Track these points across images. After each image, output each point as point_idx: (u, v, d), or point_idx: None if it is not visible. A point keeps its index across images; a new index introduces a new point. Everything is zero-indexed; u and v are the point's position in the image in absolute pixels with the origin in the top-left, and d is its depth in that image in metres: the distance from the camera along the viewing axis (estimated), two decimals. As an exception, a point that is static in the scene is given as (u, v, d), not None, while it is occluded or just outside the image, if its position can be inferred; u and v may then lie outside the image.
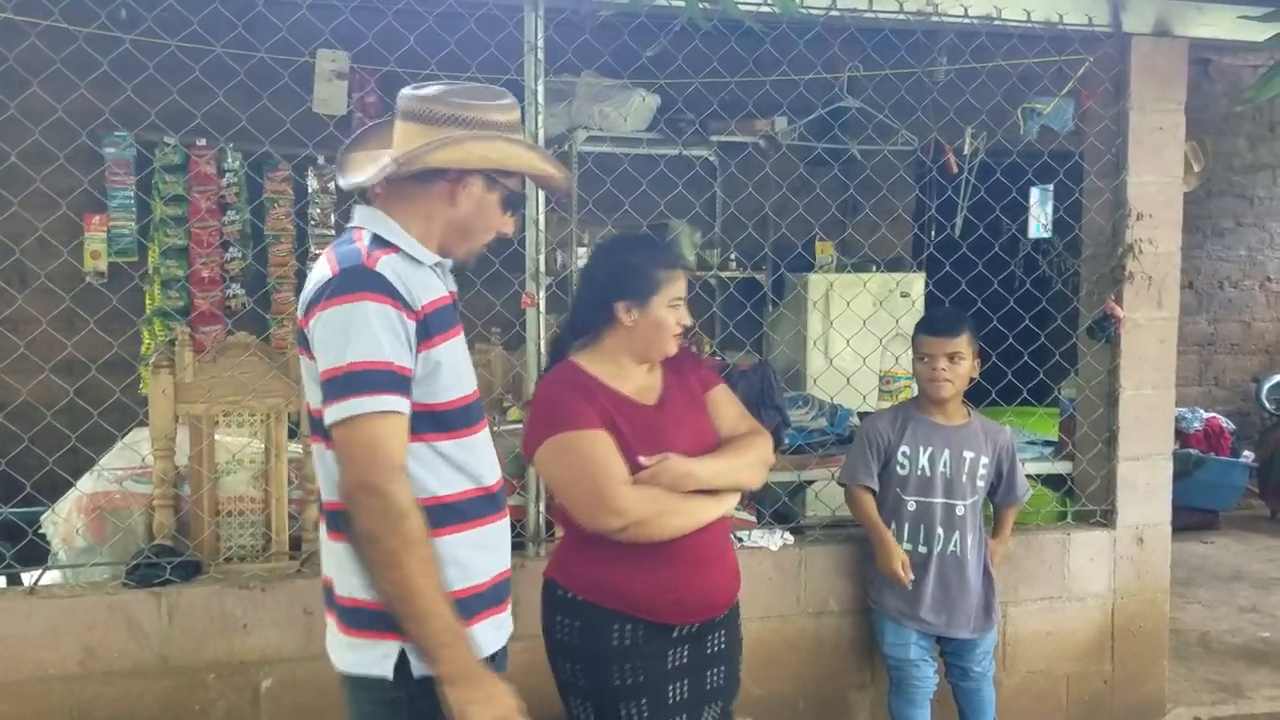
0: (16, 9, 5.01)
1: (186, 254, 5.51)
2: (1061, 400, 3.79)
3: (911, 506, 3.08)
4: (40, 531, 3.03)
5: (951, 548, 3.07)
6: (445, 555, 1.70)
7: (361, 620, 1.70)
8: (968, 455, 3.10)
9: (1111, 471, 3.52)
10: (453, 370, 1.76)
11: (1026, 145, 3.54)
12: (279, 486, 3.00)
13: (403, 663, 1.68)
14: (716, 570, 2.23)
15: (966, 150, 3.69)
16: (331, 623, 1.79)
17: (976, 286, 3.58)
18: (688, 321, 2.24)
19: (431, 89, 1.79)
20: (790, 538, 3.28)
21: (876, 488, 3.11)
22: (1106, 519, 3.54)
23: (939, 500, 3.08)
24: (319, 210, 5.71)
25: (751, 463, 2.25)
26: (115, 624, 2.73)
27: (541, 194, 3.04)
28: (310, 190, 5.69)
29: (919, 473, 3.08)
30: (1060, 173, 3.59)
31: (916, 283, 5.94)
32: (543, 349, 3.06)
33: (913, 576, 3.05)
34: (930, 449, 3.09)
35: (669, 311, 2.21)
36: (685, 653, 2.21)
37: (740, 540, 3.22)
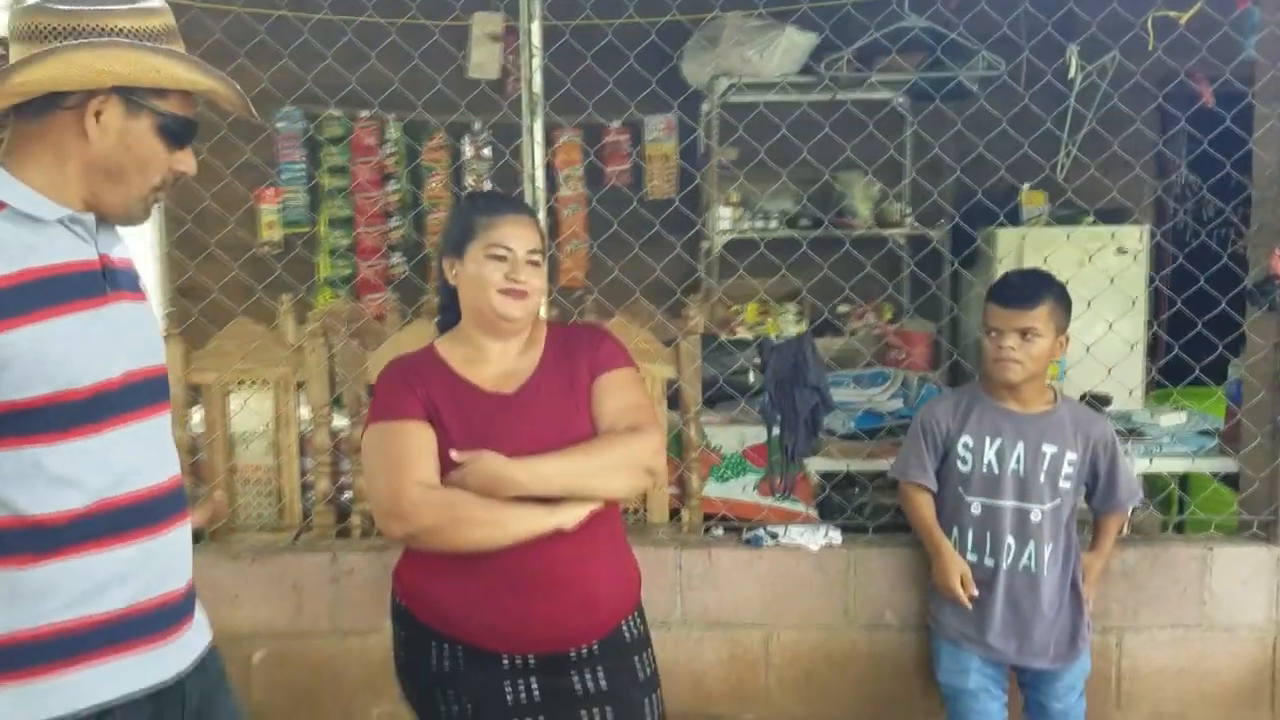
0: (184, -6, 5.35)
1: (351, 224, 5.69)
2: (1230, 381, 3.00)
3: (976, 510, 2.54)
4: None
5: (1025, 561, 2.50)
6: (39, 586, 1.40)
7: None
8: (1048, 450, 2.50)
9: (1275, 473, 2.73)
10: (59, 358, 1.40)
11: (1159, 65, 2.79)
12: (289, 456, 2.95)
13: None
14: (554, 597, 1.83)
15: (1072, 73, 2.95)
16: None
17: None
18: (520, 277, 1.85)
19: None
20: (837, 537, 2.81)
21: (933, 486, 2.59)
22: (1267, 531, 2.77)
23: (1009, 503, 2.51)
24: (474, 177, 5.70)
25: (607, 466, 1.82)
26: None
27: (537, 152, 2.75)
28: (466, 156, 5.68)
29: (984, 469, 2.52)
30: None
31: (1132, 237, 5.05)
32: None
33: (975, 593, 2.51)
34: (999, 441, 2.52)
35: (490, 264, 1.85)
36: (534, 689, 1.85)
37: (774, 537, 2.80)
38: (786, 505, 2.94)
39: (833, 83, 4.97)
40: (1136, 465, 2.92)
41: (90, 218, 1.48)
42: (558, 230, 5.68)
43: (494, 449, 1.78)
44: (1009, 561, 2.51)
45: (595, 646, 1.89)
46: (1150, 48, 2.73)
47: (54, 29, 1.39)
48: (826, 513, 3.03)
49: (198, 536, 2.82)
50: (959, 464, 2.55)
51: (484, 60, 5.76)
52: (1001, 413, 2.54)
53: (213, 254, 4.30)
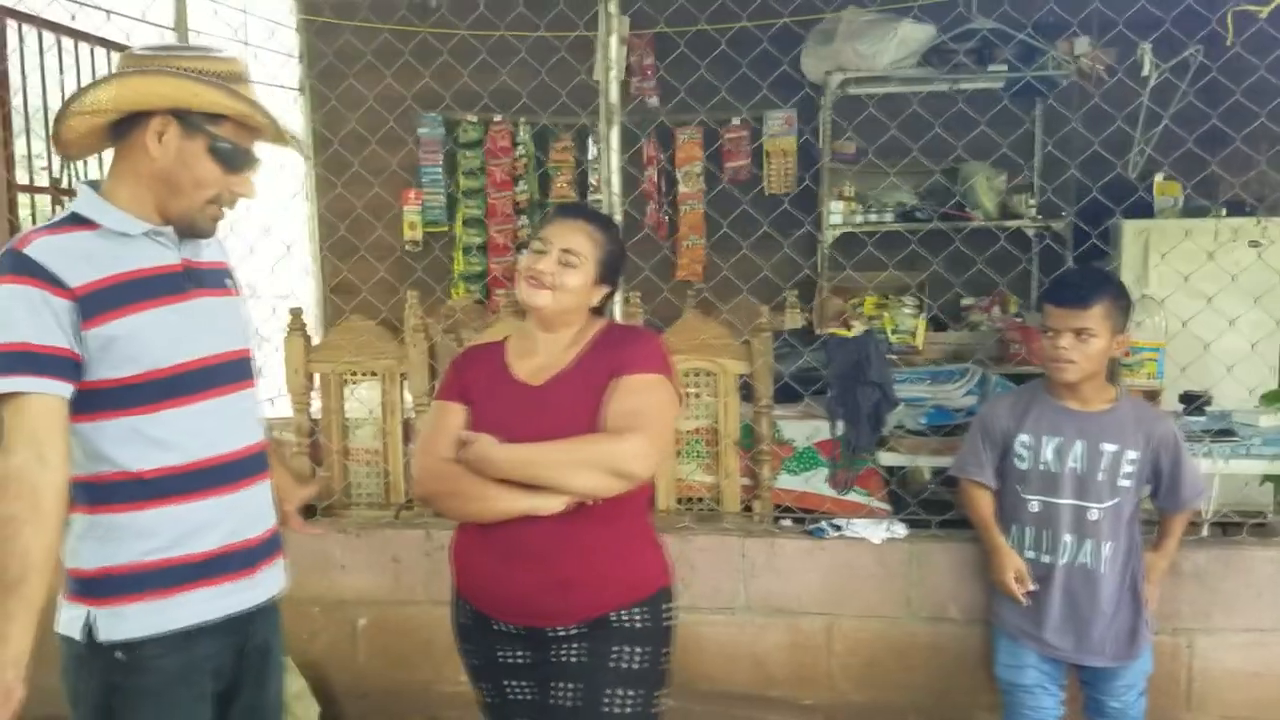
0: (335, 10, 5.80)
1: (483, 223, 6.02)
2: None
3: (1034, 507, 2.56)
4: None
5: (1082, 558, 2.52)
6: (143, 528, 1.72)
7: (67, 585, 1.77)
8: (1108, 448, 2.50)
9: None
10: (144, 343, 1.69)
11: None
12: (393, 440, 3.23)
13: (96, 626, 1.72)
14: (531, 574, 1.95)
15: (1145, 71, 2.88)
16: None
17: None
18: (539, 267, 1.99)
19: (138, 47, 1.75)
20: (900, 530, 2.87)
21: (991, 484, 2.62)
22: (1352, 538, 2.66)
23: (1067, 501, 2.52)
24: (596, 177, 5.92)
25: (573, 462, 1.90)
26: (239, 555, 3.13)
27: (614, 158, 2.93)
28: (590, 157, 5.91)
29: (1042, 467, 2.54)
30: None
31: (1273, 228, 4.80)
32: (618, 317, 2.96)
33: (1032, 588, 2.54)
34: (1058, 439, 2.53)
35: (528, 256, 2.03)
36: (524, 655, 2.03)
37: (837, 529, 2.89)
38: (856, 498, 3.01)
39: (951, 75, 4.93)
40: (1216, 466, 2.85)
41: (169, 230, 1.77)
42: (676, 227, 5.85)
43: (508, 436, 1.93)
44: (1066, 559, 2.52)
45: (574, 629, 1.97)
46: (1229, 43, 2.64)
47: (135, 67, 1.70)
48: (900, 507, 3.09)
49: (311, 511, 3.15)
50: (1017, 462, 2.58)
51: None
52: (1061, 411, 2.55)
53: (363, 255, 4.69)
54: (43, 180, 4.29)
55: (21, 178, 4.14)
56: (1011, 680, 2.62)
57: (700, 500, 3.14)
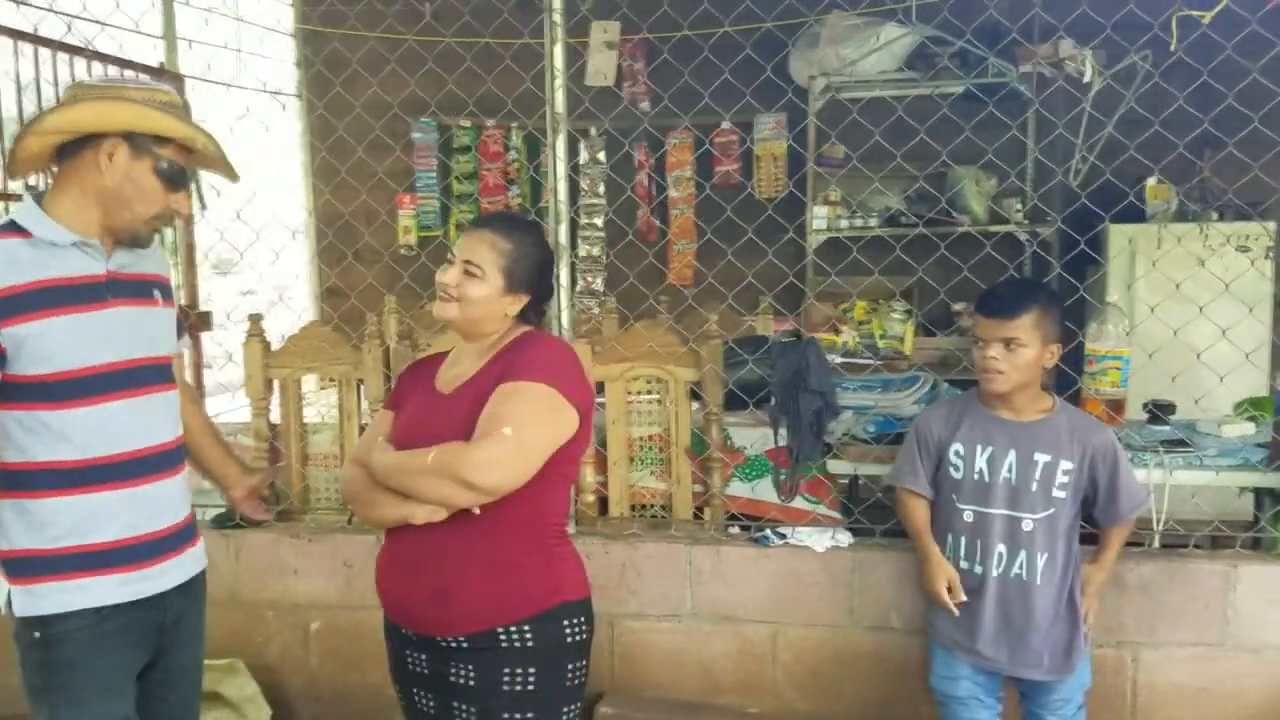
0: (322, 19, 5.86)
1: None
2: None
3: (968, 517, 2.54)
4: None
5: (1016, 570, 2.49)
6: (46, 515, 1.90)
7: None
8: (1041, 458, 2.48)
9: (1307, 489, 2.58)
10: (54, 345, 1.85)
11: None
12: (350, 445, 3.26)
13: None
14: (412, 581, 1.98)
15: (1088, 77, 2.84)
16: None
17: None
18: (446, 279, 2.01)
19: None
20: (844, 539, 2.86)
21: (925, 492, 2.61)
22: (1298, 551, 2.61)
23: (999, 512, 2.50)
24: (588, 180, 5.94)
25: (423, 470, 1.88)
26: (196, 558, 3.17)
27: (559, 166, 2.94)
28: (582, 161, 5.93)
29: (975, 477, 2.52)
30: None
31: (1256, 234, 4.73)
32: (566, 326, 2.96)
33: (963, 599, 2.52)
34: (990, 449, 2.51)
35: (439, 272, 2.05)
36: (424, 663, 2.05)
37: (783, 537, 2.88)
38: (804, 506, 3.00)
39: (932, 81, 4.90)
40: (1165, 477, 2.80)
41: (96, 242, 1.94)
42: (667, 232, 5.86)
43: (410, 443, 1.97)
44: (1000, 570, 2.50)
45: (464, 641, 1.95)
46: (1172, 49, 2.61)
47: (86, 95, 1.90)
48: (854, 516, 3.07)
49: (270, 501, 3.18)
50: (951, 471, 2.56)
51: (601, 66, 6.00)
52: (993, 420, 2.53)
53: (358, 258, 4.74)
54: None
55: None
56: (945, 691, 2.60)
57: (651, 507, 3.15)
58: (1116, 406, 3.27)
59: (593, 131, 5.88)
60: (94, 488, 1.92)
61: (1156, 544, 2.78)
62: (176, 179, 1.96)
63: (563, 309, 2.96)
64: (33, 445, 1.89)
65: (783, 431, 2.87)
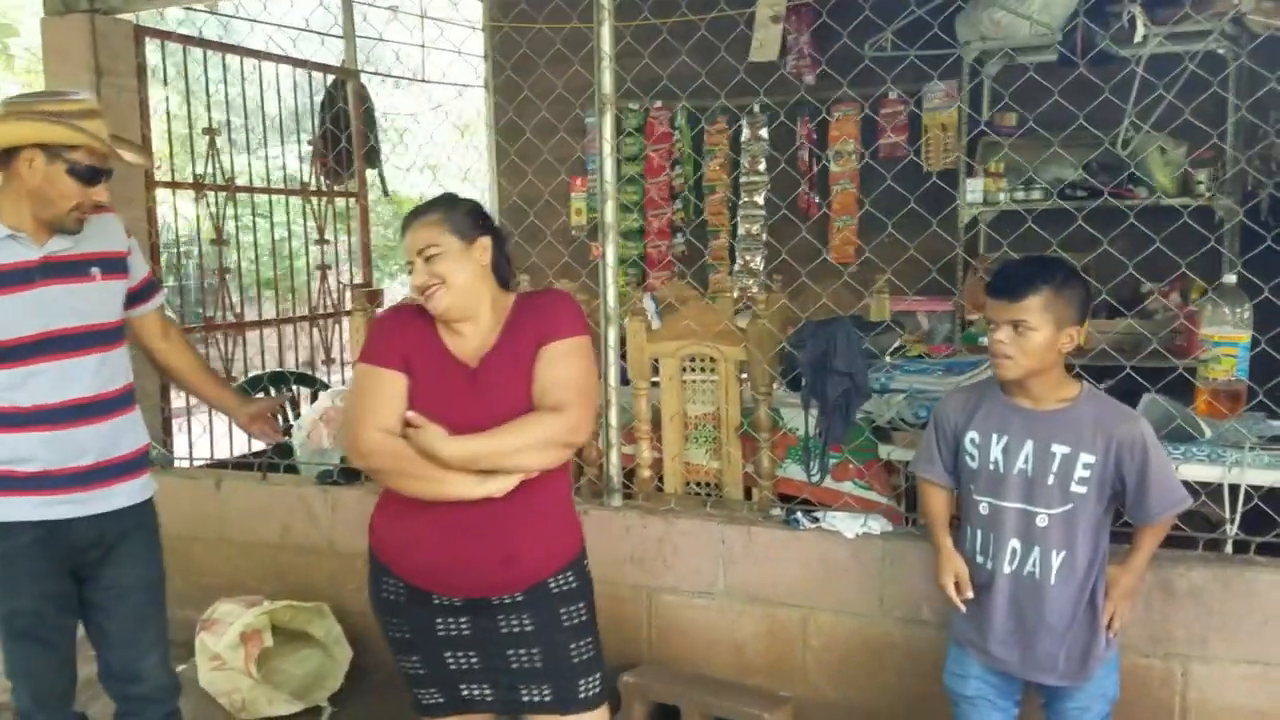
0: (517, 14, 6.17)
1: (641, 207, 6.19)
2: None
3: (983, 509, 2.39)
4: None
5: (1029, 568, 2.32)
6: None
7: None
8: (1059, 450, 2.29)
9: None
10: None
11: None
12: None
13: None
14: (478, 550, 2.04)
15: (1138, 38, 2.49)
16: None
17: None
18: (418, 281, 2.06)
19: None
20: (876, 526, 2.75)
21: (944, 481, 2.47)
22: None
23: (1012, 505, 2.33)
24: (749, 158, 5.90)
25: (525, 445, 2.01)
26: (300, 510, 3.52)
27: (606, 146, 3.00)
28: (744, 138, 5.90)
29: (990, 467, 2.37)
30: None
31: None
32: (612, 302, 3.03)
33: (969, 595, 2.38)
34: (1005, 438, 2.35)
35: (412, 280, 2.10)
36: (464, 626, 2.13)
37: (817, 520, 2.81)
38: (859, 492, 2.92)
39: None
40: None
41: (25, 234, 2.30)
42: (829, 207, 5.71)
43: (452, 419, 2.01)
44: (1012, 567, 2.34)
45: (520, 596, 2.10)
46: None
47: (7, 115, 2.26)
48: (913, 503, 2.94)
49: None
50: (968, 460, 2.41)
51: (766, 41, 5.94)
52: (1010, 408, 2.36)
53: (539, 238, 5.00)
54: None
55: None
56: (955, 690, 2.46)
57: (707, 485, 3.16)
58: (1234, 397, 2.93)
59: (755, 108, 5.83)
60: (20, 429, 2.29)
61: (1229, 549, 2.48)
62: (88, 175, 2.28)
63: (609, 285, 3.02)
64: None
65: (814, 413, 2.79)
